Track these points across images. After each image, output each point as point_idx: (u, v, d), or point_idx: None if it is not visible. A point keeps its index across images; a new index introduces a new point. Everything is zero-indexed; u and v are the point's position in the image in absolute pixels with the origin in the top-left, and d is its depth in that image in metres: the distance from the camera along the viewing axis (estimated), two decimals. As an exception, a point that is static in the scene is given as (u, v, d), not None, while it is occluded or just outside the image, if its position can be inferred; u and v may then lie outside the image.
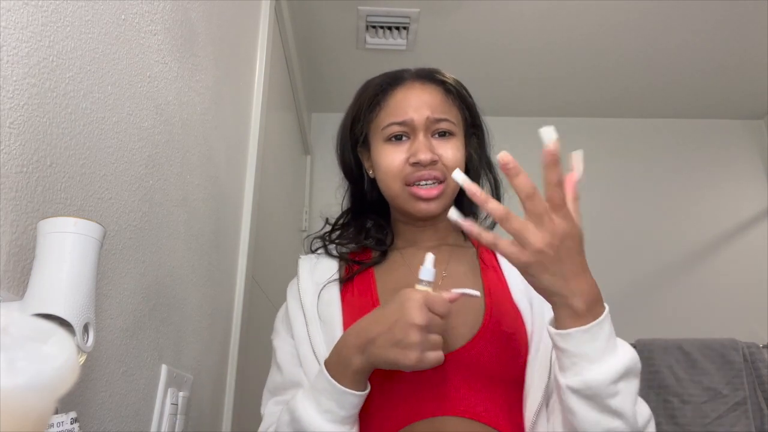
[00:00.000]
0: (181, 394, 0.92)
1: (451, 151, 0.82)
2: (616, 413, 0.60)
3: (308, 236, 0.96)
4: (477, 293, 0.68)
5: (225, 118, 1.23)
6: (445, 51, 2.38)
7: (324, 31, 2.29)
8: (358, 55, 2.42)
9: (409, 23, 2.21)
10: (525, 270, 0.61)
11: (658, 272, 2.63)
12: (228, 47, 1.26)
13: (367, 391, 0.68)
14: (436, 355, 0.65)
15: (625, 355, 0.62)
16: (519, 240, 0.60)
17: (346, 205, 0.97)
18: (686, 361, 2.37)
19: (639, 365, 0.63)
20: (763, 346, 2.40)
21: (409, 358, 0.63)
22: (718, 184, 2.78)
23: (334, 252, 0.90)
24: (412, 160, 0.80)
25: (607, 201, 2.76)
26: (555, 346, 0.64)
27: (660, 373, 2.37)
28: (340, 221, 0.95)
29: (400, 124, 0.83)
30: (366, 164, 0.91)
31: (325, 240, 0.92)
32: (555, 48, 2.38)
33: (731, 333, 2.44)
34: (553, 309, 0.63)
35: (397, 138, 0.84)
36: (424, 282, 0.67)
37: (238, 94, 1.36)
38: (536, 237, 0.59)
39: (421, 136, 0.82)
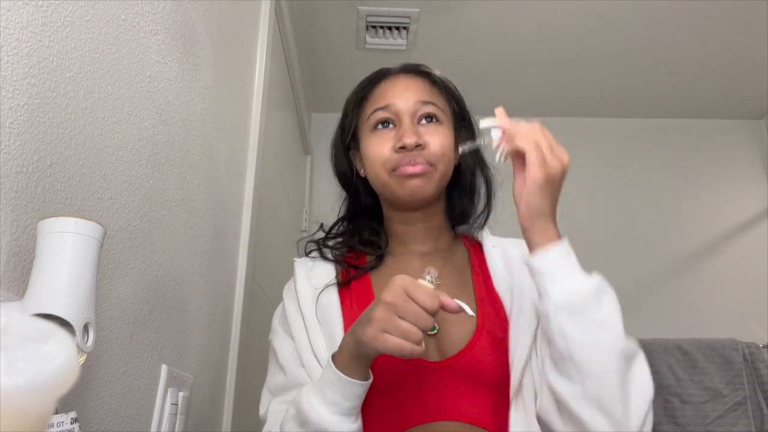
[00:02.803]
0: (181, 394, 0.92)
1: (438, 138, 0.81)
2: (604, 324, 0.64)
3: (301, 240, 0.95)
4: (472, 313, 0.67)
5: (225, 118, 1.23)
6: (445, 51, 2.38)
7: (324, 31, 2.29)
8: (358, 55, 2.41)
9: (409, 23, 2.21)
10: (539, 185, 0.67)
11: (658, 272, 2.63)
12: (228, 47, 1.26)
13: (370, 380, 0.68)
14: (396, 342, 0.61)
15: (593, 276, 0.68)
16: (540, 159, 0.67)
17: (342, 213, 0.96)
18: (686, 361, 2.37)
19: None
20: (763, 346, 2.40)
21: (366, 332, 0.63)
22: (718, 184, 2.78)
23: (329, 256, 0.89)
24: (398, 144, 0.79)
25: (607, 201, 2.76)
26: (535, 273, 0.67)
27: (660, 373, 2.37)
28: (335, 229, 0.94)
29: (383, 108, 0.83)
30: (357, 165, 0.91)
31: (320, 244, 0.91)
32: (555, 48, 2.38)
33: (731, 333, 2.44)
34: (532, 236, 0.69)
35: (384, 125, 0.83)
36: (427, 278, 0.66)
37: (238, 94, 1.36)
38: (554, 159, 0.68)
39: (407, 121, 0.81)
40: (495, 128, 0.71)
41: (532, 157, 0.67)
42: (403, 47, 2.32)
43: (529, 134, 0.68)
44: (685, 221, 2.71)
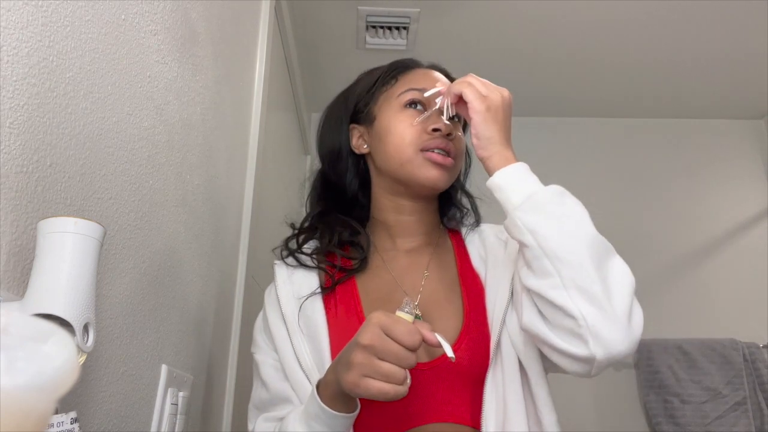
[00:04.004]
0: (181, 394, 0.92)
1: (460, 135, 0.86)
2: (568, 216, 0.66)
3: (276, 248, 0.92)
4: (452, 354, 0.62)
5: (225, 118, 1.23)
6: (445, 51, 2.38)
7: (324, 31, 2.29)
8: (358, 55, 2.41)
9: (409, 23, 2.21)
10: (482, 115, 0.71)
11: (658, 272, 2.62)
12: (228, 47, 1.26)
13: (357, 411, 0.67)
14: (379, 386, 0.58)
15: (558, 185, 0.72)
16: (476, 93, 0.73)
17: (310, 205, 0.94)
18: (686, 361, 2.37)
19: None
20: (763, 346, 2.40)
21: (346, 379, 0.60)
22: (718, 184, 2.78)
23: (309, 263, 0.85)
24: (433, 126, 0.81)
25: (607, 201, 2.76)
26: (495, 189, 0.70)
27: (660, 373, 2.37)
28: (306, 224, 0.92)
29: (421, 90, 0.84)
30: (356, 141, 0.89)
31: (292, 251, 0.87)
32: (555, 48, 2.38)
33: (731, 333, 2.44)
34: (491, 162, 0.71)
35: (413, 106, 0.84)
36: (405, 310, 0.63)
37: (238, 94, 1.36)
38: (491, 92, 0.73)
39: (437, 113, 0.83)
40: (438, 95, 0.79)
41: (469, 94, 0.72)
42: (403, 47, 2.32)
43: (462, 80, 0.75)
44: (685, 221, 2.71)
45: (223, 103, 1.21)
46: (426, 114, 0.82)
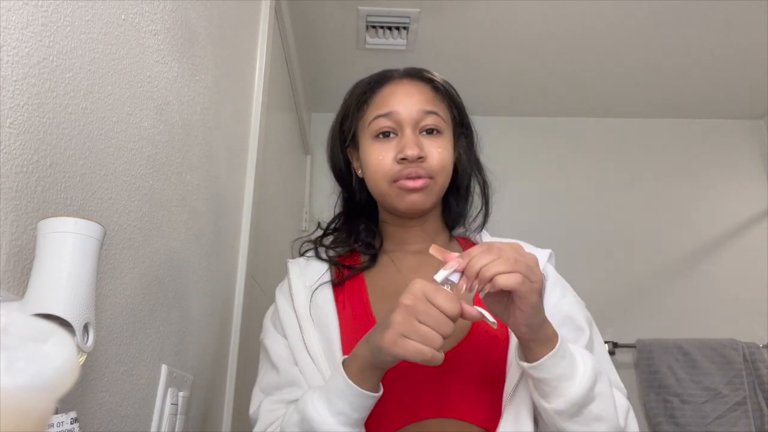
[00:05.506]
0: (181, 394, 0.92)
1: (438, 150, 0.82)
2: (601, 417, 0.64)
3: (297, 239, 0.95)
4: (494, 320, 0.63)
5: (225, 118, 1.23)
6: (445, 51, 2.38)
7: (324, 31, 2.29)
8: (358, 55, 2.41)
9: (409, 23, 2.21)
10: (537, 306, 0.62)
11: (658, 272, 2.63)
12: (228, 47, 1.26)
13: (380, 393, 0.67)
14: (416, 346, 0.58)
15: (584, 359, 0.66)
16: (529, 288, 0.61)
17: (338, 209, 0.97)
18: (686, 361, 2.37)
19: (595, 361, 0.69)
20: (763, 346, 2.40)
21: (384, 337, 0.61)
22: (718, 184, 2.78)
23: (324, 255, 0.89)
24: (400, 156, 0.80)
25: (607, 201, 2.76)
26: (532, 378, 0.65)
27: (660, 373, 2.37)
28: (332, 225, 0.95)
29: (385, 116, 0.82)
30: (355, 164, 0.91)
31: (317, 243, 0.91)
32: (555, 48, 2.38)
33: (731, 333, 2.44)
34: (526, 342, 0.64)
35: (385, 135, 0.83)
36: (448, 284, 0.63)
37: (238, 94, 1.36)
38: (534, 275, 0.62)
39: (408, 132, 0.81)
40: (452, 274, 0.62)
41: (524, 290, 0.60)
42: (403, 47, 2.32)
43: (504, 266, 0.59)
44: (685, 221, 2.71)
45: (223, 103, 1.21)
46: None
